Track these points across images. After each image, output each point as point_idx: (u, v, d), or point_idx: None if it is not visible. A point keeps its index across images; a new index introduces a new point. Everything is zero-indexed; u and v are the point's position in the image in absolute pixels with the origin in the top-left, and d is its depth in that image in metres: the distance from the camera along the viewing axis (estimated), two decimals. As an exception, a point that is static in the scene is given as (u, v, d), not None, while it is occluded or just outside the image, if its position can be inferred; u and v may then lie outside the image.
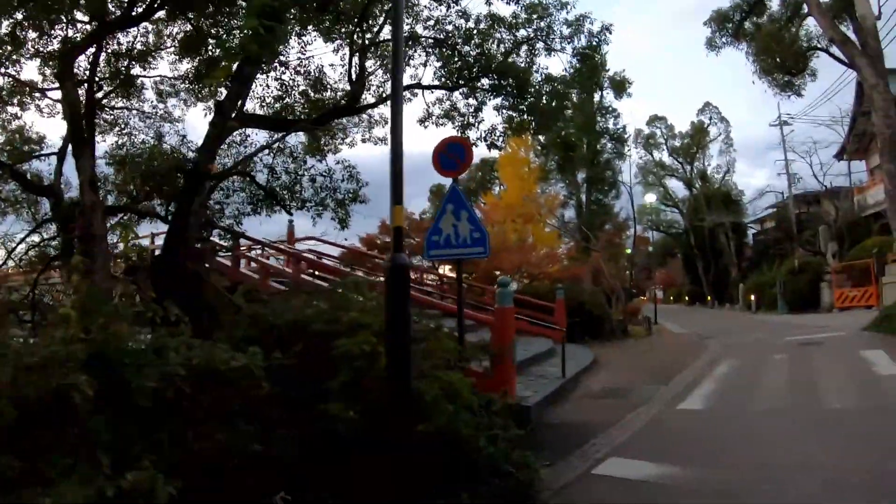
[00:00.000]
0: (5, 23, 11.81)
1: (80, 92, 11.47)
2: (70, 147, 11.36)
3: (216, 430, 3.98)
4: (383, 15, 13.95)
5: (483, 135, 15.59)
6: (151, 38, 14.30)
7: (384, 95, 15.09)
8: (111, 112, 15.33)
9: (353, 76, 14.05)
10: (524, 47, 14.99)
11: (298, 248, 20.26)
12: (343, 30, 13.90)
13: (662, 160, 54.16)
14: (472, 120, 15.50)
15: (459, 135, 14.54)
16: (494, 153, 26.85)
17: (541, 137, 42.19)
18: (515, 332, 8.82)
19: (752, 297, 34.21)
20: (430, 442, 4.64)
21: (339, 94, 15.22)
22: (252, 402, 4.30)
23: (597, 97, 41.95)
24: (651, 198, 38.08)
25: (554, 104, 15.54)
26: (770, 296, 32.14)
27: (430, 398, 4.87)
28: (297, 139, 15.14)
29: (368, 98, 15.64)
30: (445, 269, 22.73)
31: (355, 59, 14.14)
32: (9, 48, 12.60)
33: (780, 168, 39.77)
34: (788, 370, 10.79)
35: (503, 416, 5.66)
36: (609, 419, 7.52)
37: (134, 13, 11.04)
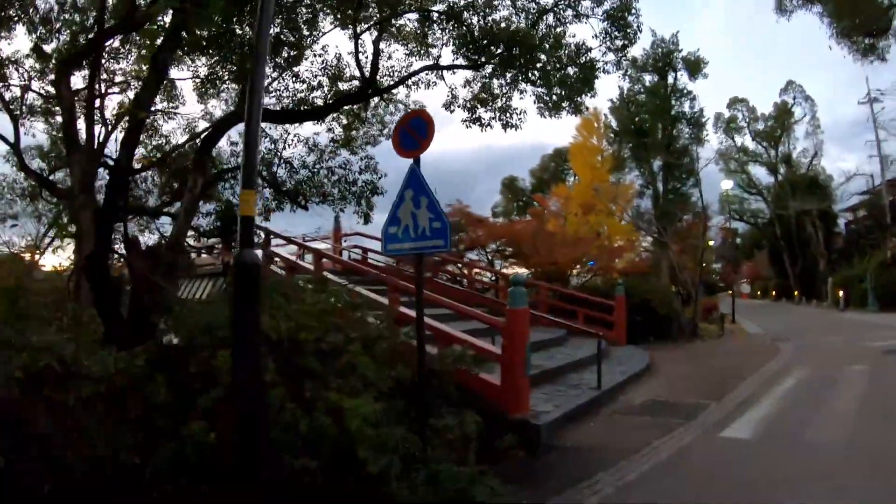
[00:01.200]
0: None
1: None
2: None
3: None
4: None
5: (497, 113, 14.34)
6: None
7: (402, 77, 14.29)
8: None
9: (361, 60, 13.15)
10: (550, 16, 13.62)
11: (344, 245, 19.88)
12: (348, 10, 12.84)
13: (745, 145, 50.99)
14: (484, 95, 14.35)
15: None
16: (565, 141, 25.58)
17: (613, 123, 41.12)
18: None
19: (840, 293, 31.61)
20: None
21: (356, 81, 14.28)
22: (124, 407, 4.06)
23: (670, 79, 39.79)
24: (728, 184, 35.41)
25: (580, 76, 13.87)
26: (860, 291, 29.57)
27: (305, 428, 4.13)
28: (327, 134, 14.84)
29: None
30: (501, 267, 21.79)
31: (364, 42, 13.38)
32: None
33: (871, 149, 36.53)
34: (865, 387, 9.30)
35: (461, 445, 4.85)
36: (633, 445, 6.51)
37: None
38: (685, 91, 40.21)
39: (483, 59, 13.35)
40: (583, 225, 35.92)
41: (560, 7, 13.48)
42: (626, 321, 15.98)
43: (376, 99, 15.12)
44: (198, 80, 14.33)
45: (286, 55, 13.19)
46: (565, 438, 6.97)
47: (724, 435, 6.99)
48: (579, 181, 38.03)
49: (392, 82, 14.41)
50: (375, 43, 13.43)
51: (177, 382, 4.47)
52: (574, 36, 13.72)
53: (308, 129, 19.89)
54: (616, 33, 13.52)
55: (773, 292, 55.55)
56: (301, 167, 14.13)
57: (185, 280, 15.36)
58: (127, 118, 10.56)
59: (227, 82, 13.69)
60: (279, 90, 14.11)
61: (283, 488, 4.05)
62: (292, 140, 14.51)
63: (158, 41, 9.38)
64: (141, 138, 12.92)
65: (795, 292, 45.47)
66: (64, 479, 3.70)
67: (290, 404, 4.38)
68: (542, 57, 13.27)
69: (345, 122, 15.83)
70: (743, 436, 6.92)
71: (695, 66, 38.27)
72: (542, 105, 13.93)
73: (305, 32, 13.20)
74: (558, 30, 13.62)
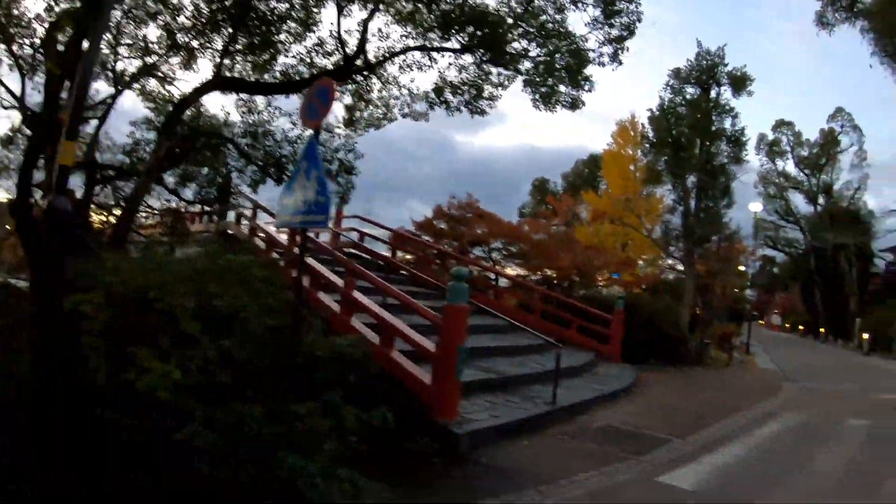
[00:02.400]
0: None
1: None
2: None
3: None
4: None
5: (468, 99, 13.92)
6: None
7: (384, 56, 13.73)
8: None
9: (342, 34, 12.87)
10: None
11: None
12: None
13: (787, 170, 48.86)
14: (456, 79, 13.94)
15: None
16: (599, 147, 24.63)
17: (650, 133, 39.58)
18: (467, 335, 7.39)
19: (866, 336, 29.89)
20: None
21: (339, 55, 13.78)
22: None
23: (713, 94, 38.08)
24: (757, 207, 33.67)
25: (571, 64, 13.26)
26: (886, 336, 27.84)
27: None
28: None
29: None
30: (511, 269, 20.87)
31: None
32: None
33: None
34: (857, 449, 8.03)
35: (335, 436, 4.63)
36: (556, 473, 5.81)
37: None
38: (727, 107, 38.40)
39: (454, 39, 12.98)
40: (609, 235, 34.84)
41: None
42: (622, 337, 15.01)
43: (375, 81, 14.67)
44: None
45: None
46: (490, 453, 6.37)
47: (664, 480, 5.99)
48: (608, 189, 36.76)
49: (376, 61, 13.93)
50: (364, 23, 13.05)
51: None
52: (568, 25, 13.30)
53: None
54: (606, 20, 12.87)
55: (802, 327, 53.55)
56: (284, 141, 13.53)
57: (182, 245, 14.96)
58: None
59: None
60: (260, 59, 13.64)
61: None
62: (273, 113, 14.21)
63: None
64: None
65: (821, 329, 43.57)
66: None
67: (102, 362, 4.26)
68: (511, 37, 12.84)
69: (348, 101, 15.37)
70: (684, 485, 5.90)
71: (740, 82, 36.39)
72: (535, 97, 13.18)
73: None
74: (542, 17, 13.08)
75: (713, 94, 38.53)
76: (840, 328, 39.69)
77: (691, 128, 37.36)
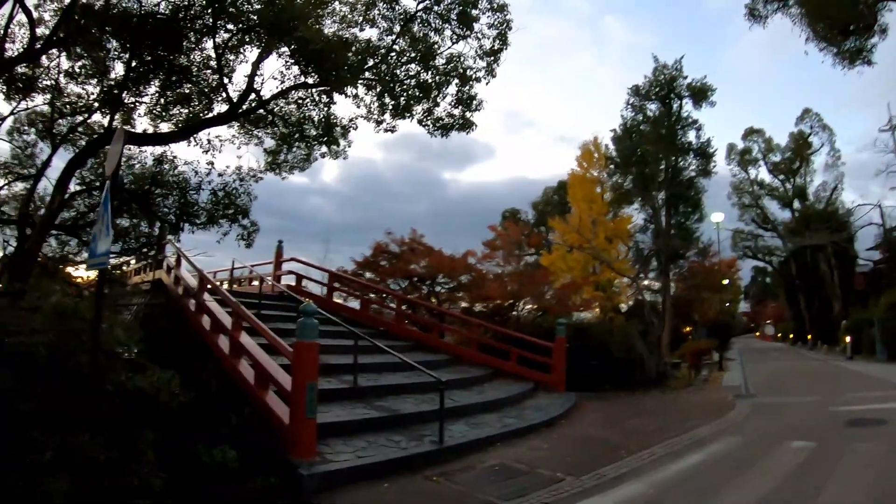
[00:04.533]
0: None
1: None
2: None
3: None
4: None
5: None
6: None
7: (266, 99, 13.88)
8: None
9: (224, 71, 12.84)
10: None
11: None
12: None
13: (762, 178, 48.07)
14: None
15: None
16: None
17: (613, 153, 38.99)
18: (318, 374, 7.44)
19: (847, 340, 28.88)
20: None
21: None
22: None
23: (675, 107, 37.60)
24: (718, 217, 32.81)
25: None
26: (869, 338, 26.82)
27: None
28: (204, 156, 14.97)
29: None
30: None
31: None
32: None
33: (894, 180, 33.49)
34: (779, 481, 6.83)
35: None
36: None
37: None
38: (690, 120, 37.93)
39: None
40: (577, 261, 34.06)
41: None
42: (567, 365, 14.30)
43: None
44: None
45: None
46: (340, 496, 6.15)
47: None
48: (573, 214, 36.08)
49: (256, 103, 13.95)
50: (255, 65, 13.30)
51: None
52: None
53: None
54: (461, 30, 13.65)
55: (791, 336, 52.49)
56: (185, 190, 13.21)
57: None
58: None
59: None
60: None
61: None
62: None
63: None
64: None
65: (809, 336, 42.54)
66: None
67: None
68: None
69: (270, 145, 15.67)
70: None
71: (700, 94, 36.04)
72: (424, 123, 13.33)
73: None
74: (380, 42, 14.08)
75: (675, 107, 38.20)
76: (827, 333, 38.64)
77: (655, 144, 36.81)
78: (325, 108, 14.82)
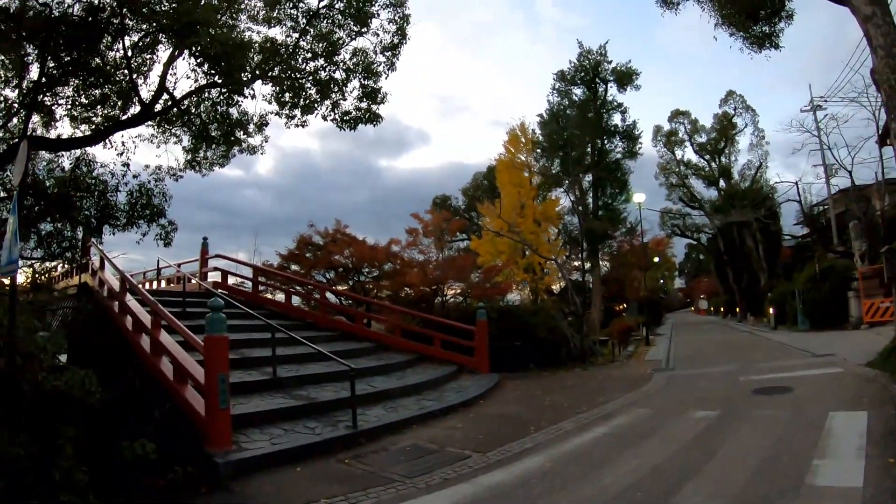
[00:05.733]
0: None
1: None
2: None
3: None
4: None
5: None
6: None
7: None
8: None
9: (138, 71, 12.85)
10: None
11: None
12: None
13: (688, 158, 49.31)
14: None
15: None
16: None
17: (540, 138, 39.51)
18: (229, 366, 7.62)
19: (772, 311, 29.97)
20: None
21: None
22: None
23: (600, 91, 38.31)
24: (640, 197, 33.44)
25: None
26: (793, 308, 27.88)
27: None
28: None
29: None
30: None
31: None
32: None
33: (816, 158, 34.35)
34: (676, 450, 7.08)
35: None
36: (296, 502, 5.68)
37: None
38: (615, 103, 38.66)
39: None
40: (506, 245, 34.36)
41: None
42: (490, 347, 14.57)
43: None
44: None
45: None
46: (253, 481, 6.32)
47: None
48: (501, 199, 36.32)
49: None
50: (166, 65, 13.34)
51: None
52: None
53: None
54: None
55: (723, 309, 54.25)
56: (103, 193, 13.04)
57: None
58: None
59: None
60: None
61: None
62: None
63: None
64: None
65: (737, 309, 44.00)
66: None
67: None
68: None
69: (186, 144, 15.54)
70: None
71: (625, 77, 36.91)
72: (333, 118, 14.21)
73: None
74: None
75: (600, 91, 38.97)
76: (755, 305, 40.00)
77: (581, 127, 37.48)
78: (238, 106, 14.81)
